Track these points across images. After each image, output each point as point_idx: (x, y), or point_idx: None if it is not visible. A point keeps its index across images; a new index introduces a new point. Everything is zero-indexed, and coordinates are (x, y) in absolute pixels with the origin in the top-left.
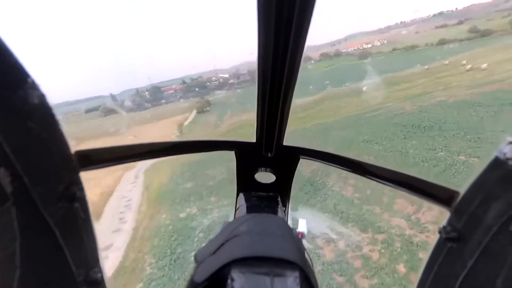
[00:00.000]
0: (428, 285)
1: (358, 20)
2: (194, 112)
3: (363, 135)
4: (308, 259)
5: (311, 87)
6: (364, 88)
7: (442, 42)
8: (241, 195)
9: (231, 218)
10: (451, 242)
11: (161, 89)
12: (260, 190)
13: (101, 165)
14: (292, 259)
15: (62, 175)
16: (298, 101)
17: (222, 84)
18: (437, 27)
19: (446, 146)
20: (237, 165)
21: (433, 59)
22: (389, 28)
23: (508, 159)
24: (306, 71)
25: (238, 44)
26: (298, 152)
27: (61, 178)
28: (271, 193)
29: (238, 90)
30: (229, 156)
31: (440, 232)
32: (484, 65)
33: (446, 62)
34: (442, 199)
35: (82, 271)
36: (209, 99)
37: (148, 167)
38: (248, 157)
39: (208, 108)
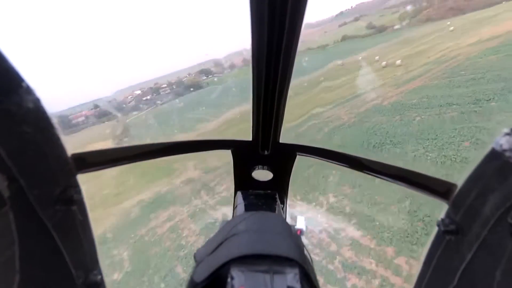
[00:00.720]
0: (427, 277)
1: None
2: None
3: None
4: (308, 255)
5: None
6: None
7: (344, 38)
8: (239, 194)
9: (229, 217)
10: (449, 235)
11: (69, 117)
12: (257, 188)
13: (97, 167)
14: (291, 256)
15: (59, 178)
16: (242, 108)
17: (140, 102)
18: (340, 26)
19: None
20: (234, 163)
21: (347, 55)
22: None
23: (505, 150)
24: (233, 77)
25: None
26: (295, 149)
27: (58, 181)
28: (269, 191)
29: (161, 107)
30: None
31: (438, 225)
32: (398, 61)
33: (359, 57)
34: (440, 192)
35: (81, 273)
36: (127, 120)
37: None
38: (244, 155)
39: (126, 139)
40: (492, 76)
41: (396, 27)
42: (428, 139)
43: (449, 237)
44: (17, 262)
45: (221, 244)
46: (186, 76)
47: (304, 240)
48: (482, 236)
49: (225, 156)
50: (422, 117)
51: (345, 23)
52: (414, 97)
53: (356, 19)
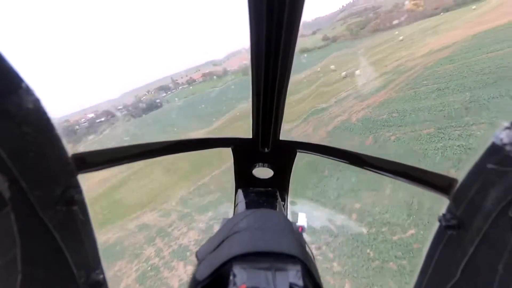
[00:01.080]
0: (429, 273)
1: (236, 37)
2: None
3: None
4: (309, 252)
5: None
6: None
7: (304, 51)
8: (240, 191)
9: (230, 215)
10: (451, 229)
11: None
12: (258, 185)
13: (98, 167)
14: (293, 253)
15: (59, 178)
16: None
17: (94, 125)
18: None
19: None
20: (234, 161)
21: (305, 67)
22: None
23: (505, 144)
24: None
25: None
26: (295, 146)
27: (58, 182)
28: (270, 188)
29: (119, 129)
30: None
31: (439, 220)
32: (357, 72)
33: (318, 69)
34: (441, 187)
35: (83, 273)
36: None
37: None
38: (245, 153)
39: None
40: (456, 86)
41: (348, 37)
42: None
43: (450, 232)
44: (19, 263)
45: (222, 242)
46: (145, 94)
47: (305, 237)
48: (484, 230)
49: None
50: (397, 136)
51: (303, 35)
52: (383, 112)
53: (314, 33)
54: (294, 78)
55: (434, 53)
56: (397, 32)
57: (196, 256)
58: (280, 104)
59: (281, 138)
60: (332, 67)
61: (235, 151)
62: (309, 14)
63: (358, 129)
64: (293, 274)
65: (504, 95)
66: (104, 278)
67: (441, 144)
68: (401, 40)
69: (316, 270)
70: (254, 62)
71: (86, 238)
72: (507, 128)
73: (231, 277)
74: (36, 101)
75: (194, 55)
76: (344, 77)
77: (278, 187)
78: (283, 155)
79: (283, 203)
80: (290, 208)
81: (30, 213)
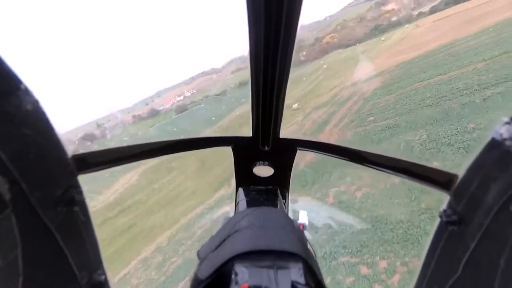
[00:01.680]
0: (431, 269)
1: (166, 75)
2: None
3: None
4: (311, 250)
5: None
6: None
7: (242, 84)
8: (241, 190)
9: (231, 213)
10: (452, 225)
11: None
12: (259, 184)
13: (98, 167)
14: (295, 251)
15: (60, 179)
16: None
17: None
18: (233, 72)
19: None
20: (234, 160)
21: (241, 100)
22: (192, 78)
23: (505, 139)
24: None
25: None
26: (295, 144)
27: (59, 183)
28: (270, 186)
29: None
30: None
31: (440, 216)
32: (295, 105)
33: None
34: (441, 183)
35: (85, 274)
36: None
37: None
38: (245, 151)
39: None
40: (406, 123)
41: None
42: (395, 242)
43: (451, 228)
44: (20, 265)
45: (224, 240)
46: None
47: (307, 234)
48: (485, 225)
49: None
50: (364, 191)
51: (239, 69)
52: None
53: (237, 70)
54: (224, 123)
55: (366, 82)
56: (322, 62)
57: (198, 255)
58: (279, 102)
59: (281, 136)
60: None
61: (235, 149)
62: (229, 53)
63: (316, 172)
64: (295, 272)
65: (462, 132)
66: (106, 279)
67: (415, 201)
68: (326, 68)
69: (318, 267)
70: (253, 60)
71: (87, 239)
72: (507, 123)
73: (233, 276)
74: (35, 102)
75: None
76: (296, 109)
77: (278, 185)
78: (283, 153)
79: (284, 201)
80: (290, 205)
81: (31, 215)
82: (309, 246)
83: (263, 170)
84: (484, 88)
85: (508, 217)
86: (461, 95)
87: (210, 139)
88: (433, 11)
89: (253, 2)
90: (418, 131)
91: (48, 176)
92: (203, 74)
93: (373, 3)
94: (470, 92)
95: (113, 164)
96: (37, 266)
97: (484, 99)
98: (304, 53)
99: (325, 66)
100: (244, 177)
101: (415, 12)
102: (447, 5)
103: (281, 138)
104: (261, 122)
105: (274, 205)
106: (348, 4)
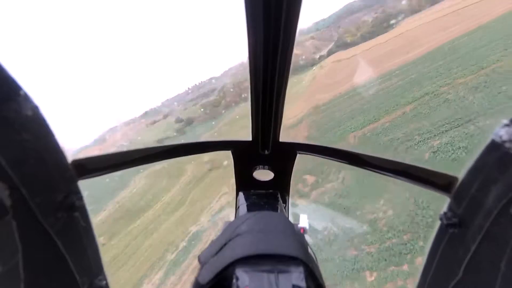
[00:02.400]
0: (432, 271)
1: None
2: None
3: None
4: (312, 253)
5: None
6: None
7: (160, 141)
8: (241, 194)
9: (232, 218)
10: (452, 228)
11: None
12: (259, 188)
13: (98, 173)
14: (295, 255)
15: (60, 185)
16: None
17: None
18: (148, 125)
19: None
20: (234, 164)
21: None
22: (103, 136)
23: (504, 141)
24: None
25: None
26: (295, 148)
27: (59, 188)
28: (271, 190)
29: None
30: None
31: (441, 219)
32: (225, 162)
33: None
34: (441, 186)
35: (86, 279)
36: None
37: None
38: (245, 155)
39: None
40: (346, 193)
41: (204, 117)
42: None
43: (452, 230)
44: (21, 271)
45: (225, 245)
46: None
47: (307, 238)
48: (485, 227)
49: None
50: None
51: (155, 121)
52: None
53: (165, 117)
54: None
55: (302, 122)
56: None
57: (199, 259)
58: (279, 106)
59: (280, 140)
60: (206, 158)
61: (235, 154)
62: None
63: None
64: (296, 275)
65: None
66: (106, 284)
67: None
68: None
69: (319, 271)
70: (252, 64)
71: (88, 244)
72: (506, 125)
73: (234, 280)
74: (35, 108)
75: None
76: (210, 169)
77: (279, 189)
78: (283, 157)
79: (284, 205)
80: (291, 209)
81: (31, 220)
82: (309, 250)
83: (263, 174)
84: (427, 139)
85: (508, 219)
86: (407, 148)
87: (210, 143)
88: (330, 53)
89: (252, 6)
90: (367, 219)
91: (48, 182)
92: (112, 131)
93: None
94: (415, 144)
95: (113, 169)
96: (38, 271)
97: (434, 152)
98: (228, 98)
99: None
100: (244, 181)
101: (317, 56)
102: (339, 47)
103: (281, 142)
104: (261, 126)
105: (275, 209)
106: None
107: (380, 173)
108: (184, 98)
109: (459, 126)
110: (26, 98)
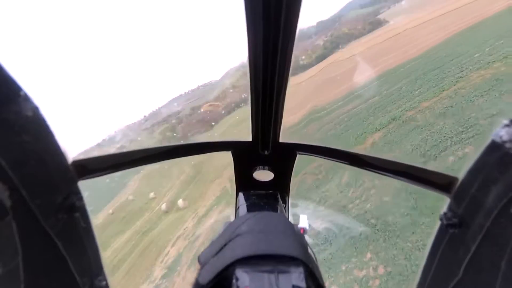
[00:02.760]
0: (432, 271)
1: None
2: None
3: None
4: (312, 254)
5: None
6: None
7: None
8: (241, 195)
9: (232, 218)
10: (452, 228)
11: None
12: (259, 188)
13: (99, 173)
14: (295, 255)
15: (60, 186)
16: None
17: None
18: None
19: None
20: (234, 165)
21: (111, 194)
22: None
23: (505, 141)
24: None
25: None
26: (295, 148)
27: (59, 189)
28: (271, 191)
29: None
30: None
31: (441, 219)
32: (180, 201)
33: (129, 197)
34: (441, 186)
35: (86, 280)
36: None
37: None
38: (245, 156)
39: None
40: None
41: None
42: None
43: (452, 231)
44: (21, 272)
45: (225, 245)
46: None
47: (307, 238)
48: (486, 227)
49: None
50: None
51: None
52: None
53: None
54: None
55: None
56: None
57: (199, 260)
58: (279, 107)
59: (280, 140)
60: (152, 194)
61: (235, 154)
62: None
63: None
64: (296, 276)
65: None
66: (107, 284)
67: None
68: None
69: (319, 271)
70: (252, 64)
71: (88, 245)
72: (506, 125)
73: (234, 281)
74: (35, 109)
75: None
76: (166, 212)
77: (279, 190)
78: (283, 157)
79: (284, 205)
80: (291, 210)
81: (31, 222)
82: (309, 250)
83: (263, 175)
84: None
85: (508, 219)
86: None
87: (209, 144)
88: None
89: (252, 7)
90: None
91: (48, 183)
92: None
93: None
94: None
95: (113, 169)
96: (38, 273)
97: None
98: (183, 124)
99: (216, 134)
100: (244, 182)
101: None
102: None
103: (281, 143)
104: (261, 126)
105: (275, 209)
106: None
107: (380, 173)
108: (141, 126)
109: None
110: (26, 98)
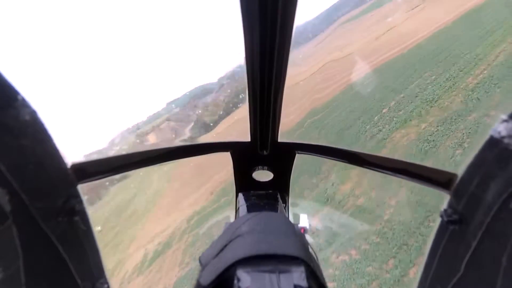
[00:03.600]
0: (434, 268)
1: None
2: None
3: None
4: (313, 253)
5: None
6: None
7: None
8: (241, 195)
9: (232, 219)
10: (453, 224)
11: None
12: (259, 188)
13: (98, 176)
14: (296, 255)
15: (60, 189)
16: None
17: None
18: None
19: None
20: (234, 165)
21: None
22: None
23: (503, 137)
24: None
25: None
26: (294, 148)
27: (59, 193)
28: (270, 191)
29: None
30: None
31: (441, 216)
32: (98, 228)
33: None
34: (441, 183)
35: (88, 284)
36: None
37: None
38: (244, 156)
39: None
40: None
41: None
42: None
43: (452, 227)
44: (22, 277)
45: (225, 246)
46: None
47: (308, 238)
48: (486, 223)
49: None
50: None
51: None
52: None
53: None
54: None
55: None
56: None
57: (200, 261)
58: (277, 106)
59: (279, 140)
60: (98, 228)
61: (234, 155)
62: None
63: None
64: (297, 275)
65: None
66: None
67: None
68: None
69: (320, 270)
70: (249, 64)
71: (88, 248)
72: (505, 121)
73: (235, 281)
74: (33, 113)
75: None
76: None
77: (278, 189)
78: (282, 157)
79: (284, 205)
80: (291, 209)
81: (31, 226)
82: (310, 250)
83: (263, 175)
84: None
85: (509, 214)
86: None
87: (208, 145)
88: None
89: (248, 6)
90: None
91: (48, 187)
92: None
93: None
94: None
95: (113, 172)
96: (39, 277)
97: None
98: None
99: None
100: (243, 182)
101: (177, 140)
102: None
103: (280, 142)
104: (259, 126)
105: (275, 209)
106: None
107: (380, 171)
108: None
109: None
110: (24, 103)
